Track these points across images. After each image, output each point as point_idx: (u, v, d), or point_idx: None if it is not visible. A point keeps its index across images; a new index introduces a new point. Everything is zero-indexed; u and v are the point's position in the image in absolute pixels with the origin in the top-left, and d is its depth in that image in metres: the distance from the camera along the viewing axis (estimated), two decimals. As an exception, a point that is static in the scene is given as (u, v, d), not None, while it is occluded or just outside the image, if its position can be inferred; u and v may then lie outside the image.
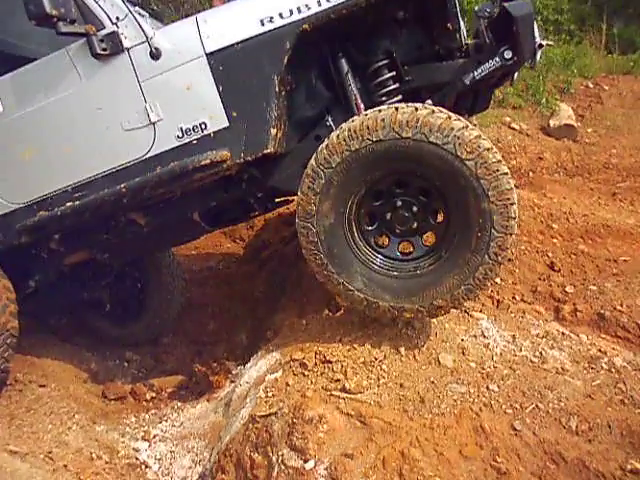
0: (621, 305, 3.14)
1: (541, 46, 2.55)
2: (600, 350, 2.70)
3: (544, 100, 7.63)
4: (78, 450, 2.42)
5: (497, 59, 2.41)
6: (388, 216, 2.30)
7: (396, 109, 2.11)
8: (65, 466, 2.22)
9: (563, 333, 2.85)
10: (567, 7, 11.47)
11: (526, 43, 2.35)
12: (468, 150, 2.03)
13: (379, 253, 2.35)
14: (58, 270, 3.02)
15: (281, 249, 4.53)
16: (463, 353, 2.52)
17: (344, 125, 2.18)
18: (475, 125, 3.86)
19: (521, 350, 2.60)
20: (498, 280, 3.38)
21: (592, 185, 5.37)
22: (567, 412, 2.20)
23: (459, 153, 2.04)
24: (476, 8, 2.67)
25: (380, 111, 2.14)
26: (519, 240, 3.70)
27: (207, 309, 4.49)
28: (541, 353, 2.58)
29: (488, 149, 2.04)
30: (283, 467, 2.06)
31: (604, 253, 3.78)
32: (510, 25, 2.32)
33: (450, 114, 2.10)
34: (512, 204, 2.08)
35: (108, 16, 2.37)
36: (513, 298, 3.30)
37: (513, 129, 7.04)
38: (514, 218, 2.11)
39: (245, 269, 4.74)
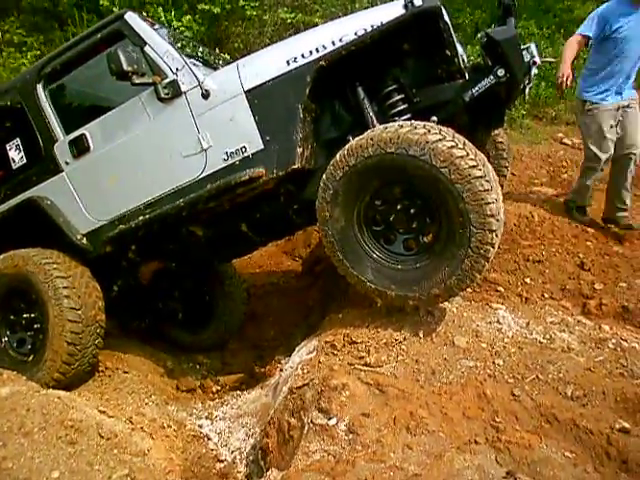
0: (646, 298, 3.29)
1: (535, 63, 2.90)
2: (614, 333, 2.89)
3: (599, 114, 7.63)
4: (152, 419, 2.94)
5: (492, 77, 2.78)
6: (392, 218, 2.70)
7: (384, 129, 2.54)
8: (141, 428, 2.73)
9: (579, 321, 3.06)
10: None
11: (514, 62, 2.71)
12: (441, 159, 2.39)
13: (386, 249, 2.74)
14: (136, 278, 3.65)
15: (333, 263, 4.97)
16: (476, 336, 2.81)
17: (346, 145, 2.63)
18: (502, 138, 4.18)
19: (532, 334, 2.85)
20: (528, 280, 3.61)
21: (637, 192, 5.39)
22: (565, 381, 2.44)
23: (434, 162, 2.40)
24: (479, 35, 3.06)
25: (372, 131, 2.58)
26: (550, 243, 3.90)
27: (268, 318, 5.01)
28: (551, 336, 2.82)
29: (461, 157, 2.39)
30: (312, 425, 2.44)
31: (639, 255, 3.89)
32: (496, 48, 2.70)
33: (429, 129, 2.47)
34: (487, 204, 2.37)
35: (170, 68, 3.00)
36: (542, 296, 3.50)
37: (565, 144, 7.11)
38: (491, 216, 2.39)
39: (301, 283, 5.23)
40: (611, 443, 2.12)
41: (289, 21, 7.53)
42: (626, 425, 2.20)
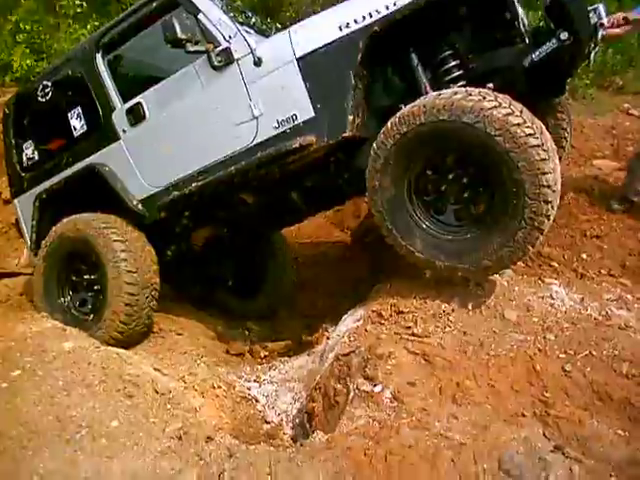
0: None
1: (602, 25, 2.74)
2: (675, 313, 2.76)
3: (671, 84, 7.17)
4: (204, 380, 3.05)
5: (554, 41, 2.64)
6: (443, 188, 2.64)
7: (437, 95, 2.47)
8: (193, 387, 2.85)
9: (639, 298, 2.94)
10: None
11: (580, 23, 2.57)
12: (496, 127, 2.31)
13: (436, 220, 2.69)
14: (189, 244, 3.76)
15: (381, 234, 4.96)
16: (528, 310, 2.75)
17: (398, 113, 2.58)
18: (562, 107, 3.99)
19: (587, 310, 2.75)
20: (584, 255, 3.49)
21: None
22: (620, 359, 2.35)
23: (489, 130, 2.33)
24: (542, -4, 2.92)
25: (425, 98, 2.52)
26: (610, 218, 3.73)
27: (317, 289, 5.06)
28: (607, 312, 2.72)
29: (517, 124, 2.30)
30: (357, 392, 2.48)
31: None
32: (562, 9, 2.56)
33: (484, 95, 2.39)
34: (543, 174, 2.29)
35: (223, 35, 3.02)
36: (599, 272, 3.38)
37: (632, 115, 6.73)
38: (547, 186, 2.31)
39: (351, 253, 5.24)
40: (667, 423, 2.05)
41: (343, -12, 7.38)
42: (684, 406, 2.11)
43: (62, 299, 3.58)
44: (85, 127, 3.58)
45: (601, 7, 2.76)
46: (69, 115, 3.62)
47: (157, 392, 2.36)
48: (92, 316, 3.48)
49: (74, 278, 3.61)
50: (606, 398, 2.21)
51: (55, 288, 3.57)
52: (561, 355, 2.43)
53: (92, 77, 3.50)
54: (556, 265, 3.33)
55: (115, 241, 3.29)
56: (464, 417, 2.15)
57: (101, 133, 3.50)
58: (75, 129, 3.60)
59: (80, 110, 3.60)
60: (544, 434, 2.03)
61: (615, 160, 5.32)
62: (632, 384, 2.26)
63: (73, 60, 3.63)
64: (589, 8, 2.64)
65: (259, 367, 3.66)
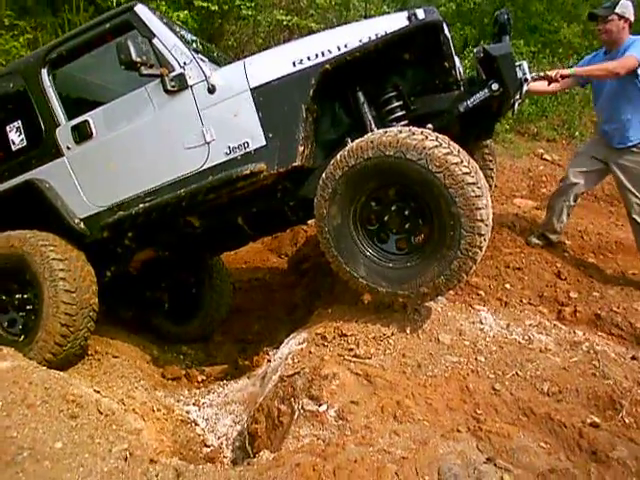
0: (617, 307, 3.49)
1: (526, 80, 3.08)
2: (587, 338, 3.07)
3: (578, 133, 7.94)
4: (143, 403, 3.00)
5: (486, 90, 2.93)
6: (386, 218, 2.83)
7: (384, 133, 2.68)
8: (133, 409, 2.80)
9: (555, 325, 3.24)
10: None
11: (508, 77, 2.88)
12: (437, 165, 2.54)
13: (379, 248, 2.87)
14: (129, 265, 3.71)
15: (319, 261, 5.10)
16: (460, 334, 2.97)
17: (347, 146, 2.76)
18: (489, 150, 4.36)
19: (512, 334, 3.02)
20: (507, 285, 3.79)
21: (612, 209, 5.66)
22: (542, 379, 2.61)
23: (430, 167, 2.54)
24: (475, 50, 3.23)
25: (372, 135, 2.72)
26: (530, 252, 4.09)
27: (253, 313, 5.09)
28: (529, 337, 2.99)
29: (455, 163, 2.53)
30: (302, 411, 2.55)
31: (613, 266, 4.09)
32: (493, 63, 2.86)
33: (426, 135, 2.62)
34: (478, 209, 2.52)
35: (177, 61, 3.09)
36: (520, 301, 3.68)
37: (545, 160, 7.38)
38: (481, 220, 2.54)
39: (287, 279, 5.34)
40: (582, 436, 2.28)
41: (284, 23, 7.65)
42: (596, 420, 2.36)
43: (-11, 319, 3.41)
44: (25, 142, 3.49)
45: (525, 64, 3.11)
46: (7, 128, 3.51)
47: (101, 413, 2.32)
48: (22, 337, 3.33)
49: (4, 297, 3.44)
50: (530, 414, 2.43)
51: None
52: (490, 375, 2.64)
53: (36, 92, 3.43)
54: (483, 294, 3.59)
55: (53, 259, 3.20)
56: (405, 433, 2.28)
57: (42, 149, 3.42)
58: (14, 143, 3.50)
59: (20, 124, 3.50)
60: (477, 447, 2.20)
61: (532, 199, 5.83)
62: (552, 401, 2.50)
63: (15, 73, 3.54)
64: (516, 64, 2.96)
65: (197, 391, 3.64)
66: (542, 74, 3.53)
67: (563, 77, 3.60)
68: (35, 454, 1.97)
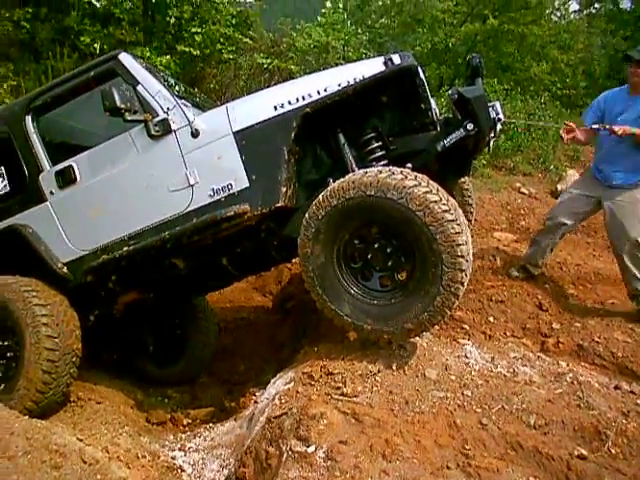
0: (599, 337, 3.55)
1: (500, 120, 3.20)
2: (571, 369, 3.11)
3: (553, 167, 8.18)
4: (127, 450, 2.95)
5: (462, 130, 3.04)
6: (369, 256, 2.87)
7: (365, 173, 2.75)
8: (118, 457, 2.74)
9: (539, 357, 3.28)
10: (584, 84, 12.32)
11: (482, 117, 2.99)
12: (417, 203, 2.60)
13: (363, 286, 2.89)
14: (113, 308, 3.68)
15: (304, 299, 5.11)
16: (446, 369, 2.98)
17: (329, 187, 2.82)
18: (467, 186, 4.48)
19: (497, 367, 3.04)
20: (491, 319, 3.84)
21: (590, 240, 5.79)
22: (528, 411, 2.62)
23: (410, 206, 2.60)
24: (449, 92, 3.36)
25: (353, 175, 2.79)
26: (511, 285, 4.16)
27: (239, 353, 5.06)
28: (514, 370, 3.02)
29: (435, 202, 2.60)
30: (291, 453, 2.52)
31: (592, 296, 4.18)
32: (467, 105, 2.98)
33: (406, 175, 2.69)
34: (458, 245, 2.57)
35: (161, 107, 3.16)
36: (504, 333, 3.72)
37: (523, 193, 7.56)
38: (461, 256, 2.59)
39: (272, 318, 5.33)
40: (570, 468, 2.29)
41: (265, 66, 7.86)
42: (584, 452, 2.38)
43: (-32, 367, 3.34)
44: (8, 187, 3.51)
45: (497, 104, 3.24)
46: (-10, 174, 3.53)
47: (85, 462, 2.27)
48: (3, 386, 3.26)
49: (-17, 345, 3.39)
50: (518, 448, 2.44)
51: None
52: (477, 410, 2.65)
53: (20, 138, 3.47)
54: (467, 327, 3.63)
55: (36, 305, 3.17)
56: (394, 472, 2.27)
57: (26, 194, 3.44)
58: (-4, 188, 3.51)
59: (3, 170, 3.53)
60: (467, 484, 2.20)
61: (511, 232, 5.94)
62: (538, 434, 2.51)
63: (-1, 120, 3.59)
64: (489, 104, 3.09)
65: (183, 435, 3.57)
66: (608, 127, 3.61)
67: (626, 133, 3.58)
68: (17, 508, 1.92)
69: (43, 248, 3.35)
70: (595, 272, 4.52)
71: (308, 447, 2.48)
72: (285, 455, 2.53)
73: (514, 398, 2.71)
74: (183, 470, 3.09)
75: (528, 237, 6.39)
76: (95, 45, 6.76)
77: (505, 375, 2.95)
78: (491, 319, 3.82)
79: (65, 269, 3.34)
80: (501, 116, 3.18)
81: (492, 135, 3.28)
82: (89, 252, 3.30)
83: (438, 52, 10.75)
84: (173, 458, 3.19)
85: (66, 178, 3.33)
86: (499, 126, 3.23)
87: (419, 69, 3.00)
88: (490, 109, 3.06)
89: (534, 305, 4.00)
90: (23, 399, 3.09)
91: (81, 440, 2.62)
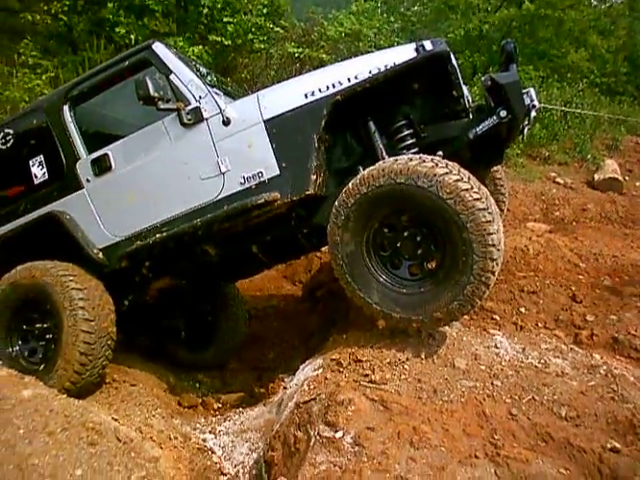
0: (635, 330, 3.45)
1: (534, 106, 3.13)
2: (605, 362, 3.04)
3: (590, 156, 7.96)
4: (160, 431, 3.03)
5: (494, 117, 2.99)
6: (398, 244, 2.86)
7: (395, 161, 2.73)
8: (150, 437, 2.82)
9: (572, 349, 3.22)
10: (625, 70, 11.91)
11: (516, 104, 2.93)
12: (448, 191, 2.57)
13: (392, 274, 2.89)
14: (146, 294, 3.77)
15: (333, 288, 5.12)
16: (475, 358, 2.95)
17: (359, 175, 2.82)
18: (500, 175, 4.40)
19: (528, 358, 2.99)
20: (522, 309, 3.78)
21: (627, 231, 5.63)
22: (559, 403, 2.58)
23: (441, 194, 2.58)
24: (483, 78, 3.30)
25: (383, 163, 2.77)
26: (544, 276, 4.08)
27: (268, 341, 5.12)
28: (545, 361, 2.97)
29: (466, 190, 2.57)
30: (319, 438, 2.55)
31: (629, 289, 4.05)
32: (501, 91, 2.92)
33: (437, 162, 2.66)
34: (489, 234, 2.54)
35: (193, 96, 3.20)
36: (536, 325, 3.66)
37: (558, 183, 7.40)
38: (492, 245, 2.56)
39: (302, 306, 5.36)
40: (602, 462, 2.25)
41: (296, 55, 7.85)
42: (617, 445, 2.33)
43: (10, 348, 3.47)
44: (46, 175, 3.61)
45: (532, 91, 3.17)
46: (30, 163, 3.64)
47: (119, 440, 2.35)
48: (42, 366, 3.38)
49: (25, 327, 3.52)
50: (548, 439, 2.41)
51: (4, 337, 3.47)
52: (507, 400, 2.62)
53: (58, 127, 3.56)
54: (498, 318, 3.57)
55: (73, 289, 3.27)
56: (422, 459, 2.27)
57: (63, 182, 3.54)
58: (36, 177, 3.62)
59: (42, 158, 3.63)
60: (495, 473, 2.19)
61: (545, 222, 5.83)
62: (570, 426, 2.47)
63: (39, 110, 3.68)
64: (523, 91, 3.02)
65: (214, 419, 3.65)
66: None
67: None
68: (56, 481, 2.00)
69: (80, 234, 3.45)
70: (633, 264, 4.38)
71: (336, 432, 2.50)
72: (313, 440, 2.56)
73: (545, 389, 2.67)
74: (213, 452, 3.16)
75: (562, 228, 6.28)
76: (130, 36, 6.87)
77: (536, 366, 2.90)
78: (522, 310, 3.75)
79: (101, 255, 3.44)
80: (536, 103, 3.11)
81: (526, 123, 3.21)
82: (124, 238, 3.39)
83: (472, 39, 10.54)
84: (204, 440, 3.26)
85: (101, 166, 3.41)
86: (534, 113, 3.16)
87: (451, 55, 2.96)
88: (524, 96, 3.00)
89: (567, 297, 3.91)
90: (61, 379, 3.20)
91: (116, 420, 2.70)
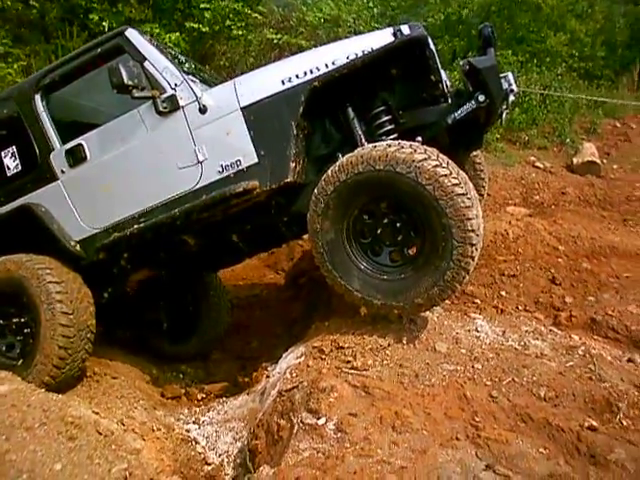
0: (613, 311, 3.50)
1: (512, 91, 3.13)
2: (583, 342, 3.09)
3: (569, 140, 8.02)
4: (142, 423, 3.01)
5: (473, 102, 2.99)
6: (379, 231, 2.85)
7: (374, 147, 2.71)
8: (132, 429, 2.80)
9: (551, 330, 3.26)
10: (602, 55, 11.98)
11: (493, 88, 2.93)
12: (427, 177, 2.57)
13: (373, 261, 2.89)
14: (126, 286, 3.73)
15: (315, 276, 5.12)
16: (456, 342, 2.98)
17: (337, 162, 2.80)
18: (479, 160, 4.41)
19: (508, 341, 3.03)
20: (503, 293, 3.82)
21: (605, 213, 5.70)
22: (539, 384, 2.62)
23: (420, 180, 2.58)
24: (461, 63, 3.29)
25: (362, 150, 2.76)
26: (524, 259, 4.12)
27: (251, 330, 5.11)
28: (525, 343, 3.01)
29: (445, 175, 2.57)
30: (301, 425, 2.55)
31: (607, 270, 4.11)
32: (478, 75, 2.92)
33: (415, 148, 2.66)
34: (468, 219, 2.55)
35: (169, 83, 3.14)
36: (516, 308, 3.70)
37: (537, 167, 7.45)
38: (472, 230, 2.57)
39: (284, 295, 5.35)
40: (580, 440, 2.29)
41: (275, 41, 7.75)
42: (594, 423, 2.37)
43: (-14, 344, 3.42)
44: (20, 167, 3.53)
45: (510, 75, 3.17)
46: (2, 154, 3.56)
47: (100, 433, 2.33)
48: (21, 361, 3.34)
49: (1, 321, 3.46)
50: (528, 420, 2.44)
51: None
52: (488, 382, 2.65)
53: (29, 117, 3.48)
54: (479, 302, 3.61)
55: (50, 282, 3.22)
56: (404, 443, 2.29)
57: (37, 173, 3.46)
58: (9, 168, 3.54)
59: (15, 149, 3.55)
60: (476, 455, 2.21)
61: (525, 207, 5.87)
62: (549, 406, 2.51)
63: (9, 100, 3.59)
64: (501, 75, 3.02)
65: (197, 409, 3.63)
66: None
67: None
68: (34, 476, 1.98)
69: (56, 226, 3.39)
70: (610, 246, 4.44)
71: (318, 419, 2.51)
72: (296, 427, 2.57)
73: (525, 371, 2.71)
74: (197, 442, 3.15)
75: (542, 211, 6.34)
76: (104, 23, 6.71)
77: (516, 348, 2.94)
78: (503, 293, 3.79)
79: (78, 247, 3.38)
80: (514, 87, 3.11)
81: (504, 107, 3.22)
82: (101, 230, 3.34)
83: (451, 24, 10.51)
84: (187, 431, 3.25)
85: (76, 157, 3.35)
86: (512, 98, 3.16)
87: (429, 40, 2.94)
88: (502, 80, 2.99)
89: (547, 279, 3.96)
90: (40, 374, 3.16)
91: (97, 413, 2.67)
